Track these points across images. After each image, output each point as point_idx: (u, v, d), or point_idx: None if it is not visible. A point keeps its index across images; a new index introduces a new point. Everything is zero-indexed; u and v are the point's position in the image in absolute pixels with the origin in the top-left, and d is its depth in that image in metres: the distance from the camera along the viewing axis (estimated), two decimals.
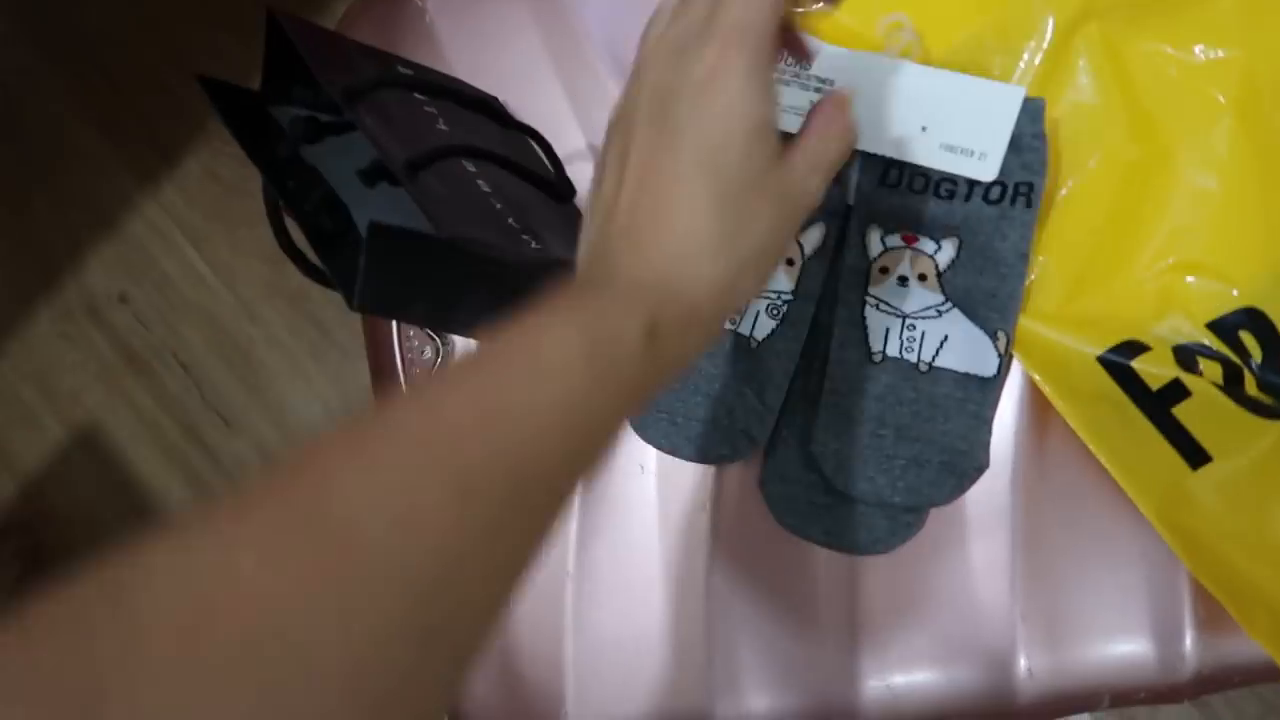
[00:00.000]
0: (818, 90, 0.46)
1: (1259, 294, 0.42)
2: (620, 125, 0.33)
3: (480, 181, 0.42)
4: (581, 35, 0.51)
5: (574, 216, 0.49)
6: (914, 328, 0.45)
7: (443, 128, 0.43)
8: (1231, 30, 0.44)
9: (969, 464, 0.43)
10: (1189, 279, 0.43)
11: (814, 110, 0.35)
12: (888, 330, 0.45)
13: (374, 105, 0.38)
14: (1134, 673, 0.42)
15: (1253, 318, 0.42)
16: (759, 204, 0.31)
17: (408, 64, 0.46)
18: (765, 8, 0.31)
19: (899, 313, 0.45)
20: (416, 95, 0.42)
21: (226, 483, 1.08)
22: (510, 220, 0.42)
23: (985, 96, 0.43)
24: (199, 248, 1.11)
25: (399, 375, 0.52)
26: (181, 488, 1.09)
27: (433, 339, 0.51)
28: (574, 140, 0.50)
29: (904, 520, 0.44)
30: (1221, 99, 0.44)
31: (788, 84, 0.45)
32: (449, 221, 0.37)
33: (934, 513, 0.45)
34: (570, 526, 0.48)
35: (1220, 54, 0.44)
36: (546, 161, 0.46)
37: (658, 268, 0.30)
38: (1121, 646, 0.43)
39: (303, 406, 1.08)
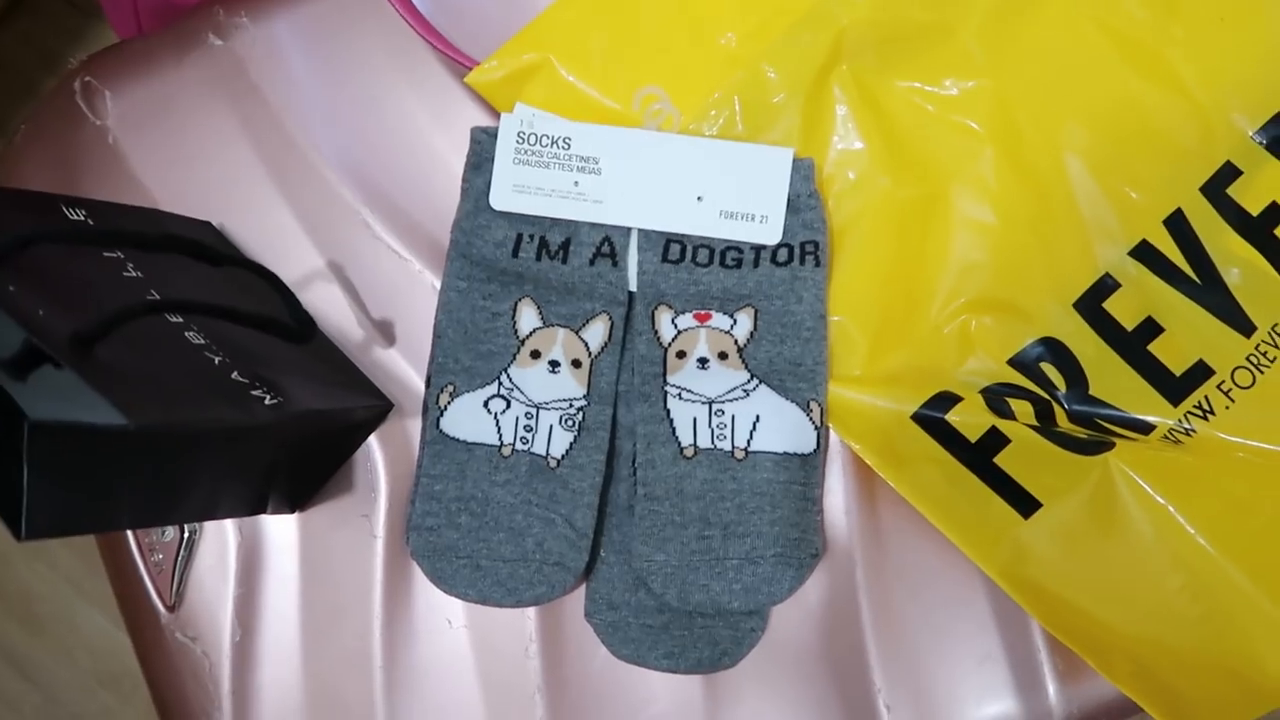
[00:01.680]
0: (581, 170, 0.42)
1: (1051, 322, 0.41)
2: None
3: (190, 334, 0.35)
4: (301, 139, 0.44)
5: (325, 351, 0.42)
6: (722, 412, 0.41)
7: (131, 275, 0.35)
8: (976, 60, 0.43)
9: (805, 551, 0.40)
10: (985, 319, 0.41)
11: None
12: (695, 420, 0.41)
13: (23, 269, 0.30)
14: None
15: (1050, 348, 0.41)
16: None
17: (82, 203, 0.38)
18: None
19: (703, 398, 0.41)
20: (91, 244, 0.34)
21: None
22: (235, 375, 0.35)
23: (755, 160, 0.42)
24: None
25: (136, 561, 0.43)
26: None
27: None
28: (308, 259, 0.43)
29: (747, 627, 0.40)
30: (979, 128, 0.43)
31: (548, 165, 0.42)
32: (142, 401, 0.29)
33: (776, 611, 0.41)
34: (375, 710, 0.41)
35: (970, 85, 0.43)
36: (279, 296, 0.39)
37: None
38: (988, 712, 0.40)
39: (48, 591, 0.91)
